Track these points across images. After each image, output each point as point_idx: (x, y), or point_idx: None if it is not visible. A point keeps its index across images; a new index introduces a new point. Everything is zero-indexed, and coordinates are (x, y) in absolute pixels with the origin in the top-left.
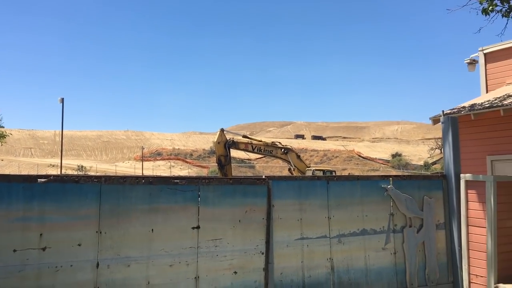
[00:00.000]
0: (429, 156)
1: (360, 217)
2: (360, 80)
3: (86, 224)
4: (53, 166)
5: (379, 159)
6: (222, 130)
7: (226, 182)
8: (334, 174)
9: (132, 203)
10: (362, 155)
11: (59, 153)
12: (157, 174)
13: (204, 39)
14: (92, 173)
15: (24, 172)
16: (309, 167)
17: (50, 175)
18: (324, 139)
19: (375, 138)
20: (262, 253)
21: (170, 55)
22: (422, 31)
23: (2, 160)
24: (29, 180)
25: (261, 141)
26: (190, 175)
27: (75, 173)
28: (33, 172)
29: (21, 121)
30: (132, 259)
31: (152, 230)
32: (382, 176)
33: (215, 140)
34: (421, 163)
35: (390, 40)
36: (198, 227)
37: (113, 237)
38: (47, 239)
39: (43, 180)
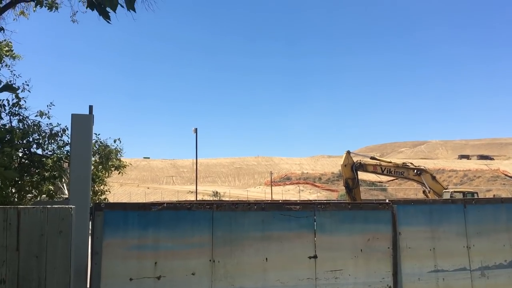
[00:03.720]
0: None
1: (507, 246)
2: (503, 91)
3: (199, 252)
4: (192, 192)
5: None
6: (348, 152)
7: (344, 207)
8: (476, 196)
9: (245, 230)
10: (509, 175)
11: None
12: (285, 199)
13: (332, 56)
14: (226, 199)
15: (167, 198)
16: (446, 189)
17: (163, 203)
18: (491, 158)
19: None
20: (390, 287)
21: (296, 77)
22: None
23: (148, 188)
24: (144, 208)
25: (390, 162)
26: (318, 199)
27: (211, 198)
28: (174, 198)
29: (163, 151)
30: None
31: (266, 259)
32: None
33: (342, 163)
34: None
35: None
36: (315, 257)
37: (227, 266)
38: (162, 268)
39: (157, 207)
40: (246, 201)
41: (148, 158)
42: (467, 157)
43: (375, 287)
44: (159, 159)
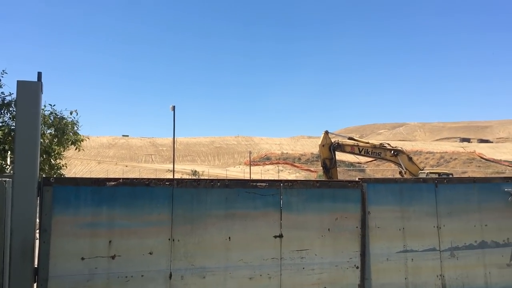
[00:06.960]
0: None
1: (477, 227)
2: (481, 75)
3: (157, 231)
4: (171, 171)
5: (505, 161)
6: (326, 132)
7: (312, 185)
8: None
9: (207, 208)
10: (484, 157)
11: (176, 159)
12: (264, 178)
13: (308, 40)
14: (205, 177)
15: (145, 177)
16: (422, 170)
17: (119, 178)
18: (491, 142)
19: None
20: (357, 267)
21: (276, 59)
22: None
23: (126, 166)
24: (98, 183)
25: (368, 142)
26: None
27: (190, 177)
28: (152, 177)
29: (143, 130)
30: (208, 270)
31: (229, 238)
32: (505, 178)
33: (320, 142)
34: None
35: None
36: (280, 236)
37: (187, 245)
38: (117, 247)
39: (112, 183)
40: (209, 178)
41: (127, 136)
42: (468, 140)
43: (342, 267)
44: (138, 137)
